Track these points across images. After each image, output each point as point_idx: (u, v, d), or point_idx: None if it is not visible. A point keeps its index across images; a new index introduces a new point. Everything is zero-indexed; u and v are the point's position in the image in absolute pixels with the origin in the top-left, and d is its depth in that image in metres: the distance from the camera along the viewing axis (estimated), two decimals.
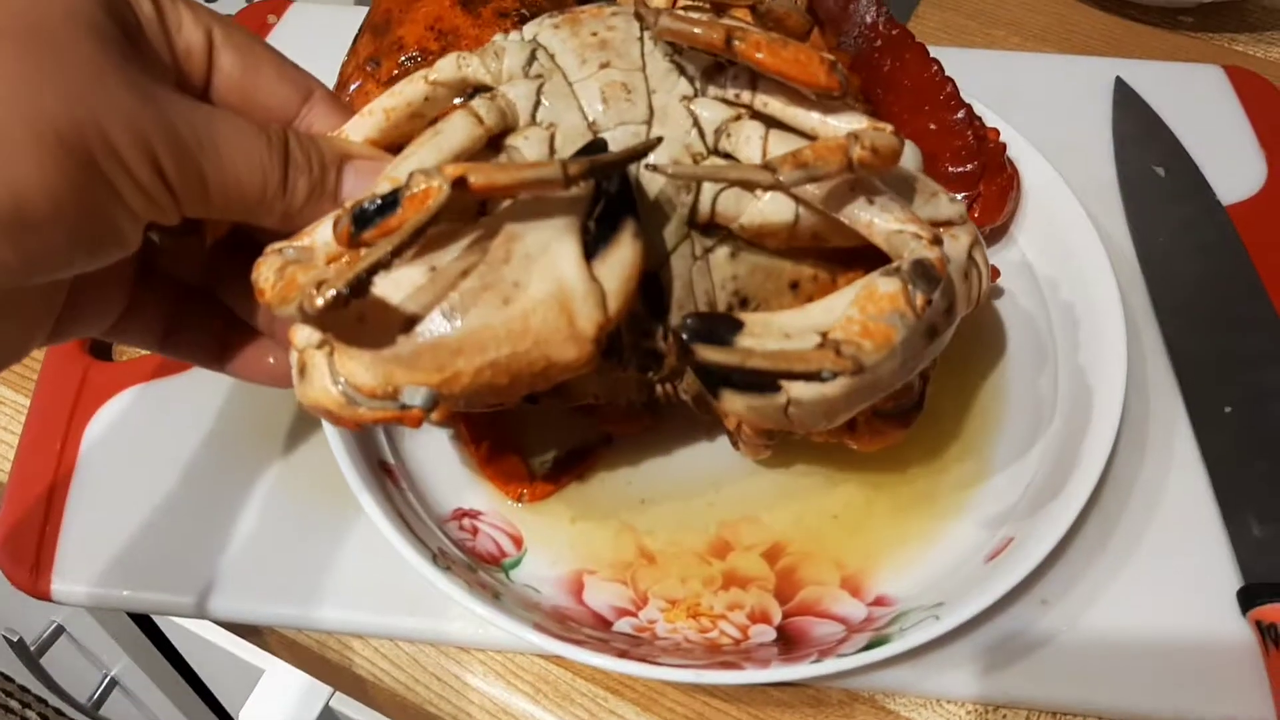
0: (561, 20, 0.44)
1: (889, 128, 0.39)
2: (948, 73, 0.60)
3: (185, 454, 0.55)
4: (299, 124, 0.41)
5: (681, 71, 0.43)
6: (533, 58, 0.43)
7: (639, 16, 0.43)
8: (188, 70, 0.38)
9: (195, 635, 0.74)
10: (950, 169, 0.57)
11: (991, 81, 0.63)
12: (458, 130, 0.40)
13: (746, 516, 0.52)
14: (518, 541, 0.51)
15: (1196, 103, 0.70)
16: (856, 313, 0.37)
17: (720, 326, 0.38)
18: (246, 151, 0.37)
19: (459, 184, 0.34)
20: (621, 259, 0.37)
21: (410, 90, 0.42)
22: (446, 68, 0.42)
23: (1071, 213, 0.58)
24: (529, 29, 0.44)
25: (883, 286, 0.38)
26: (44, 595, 0.51)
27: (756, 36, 0.39)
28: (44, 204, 0.32)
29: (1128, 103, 0.69)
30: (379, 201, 0.35)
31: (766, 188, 0.41)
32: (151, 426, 0.56)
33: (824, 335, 0.37)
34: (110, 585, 0.51)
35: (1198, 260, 0.61)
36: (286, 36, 0.77)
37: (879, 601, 0.49)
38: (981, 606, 0.45)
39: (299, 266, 0.36)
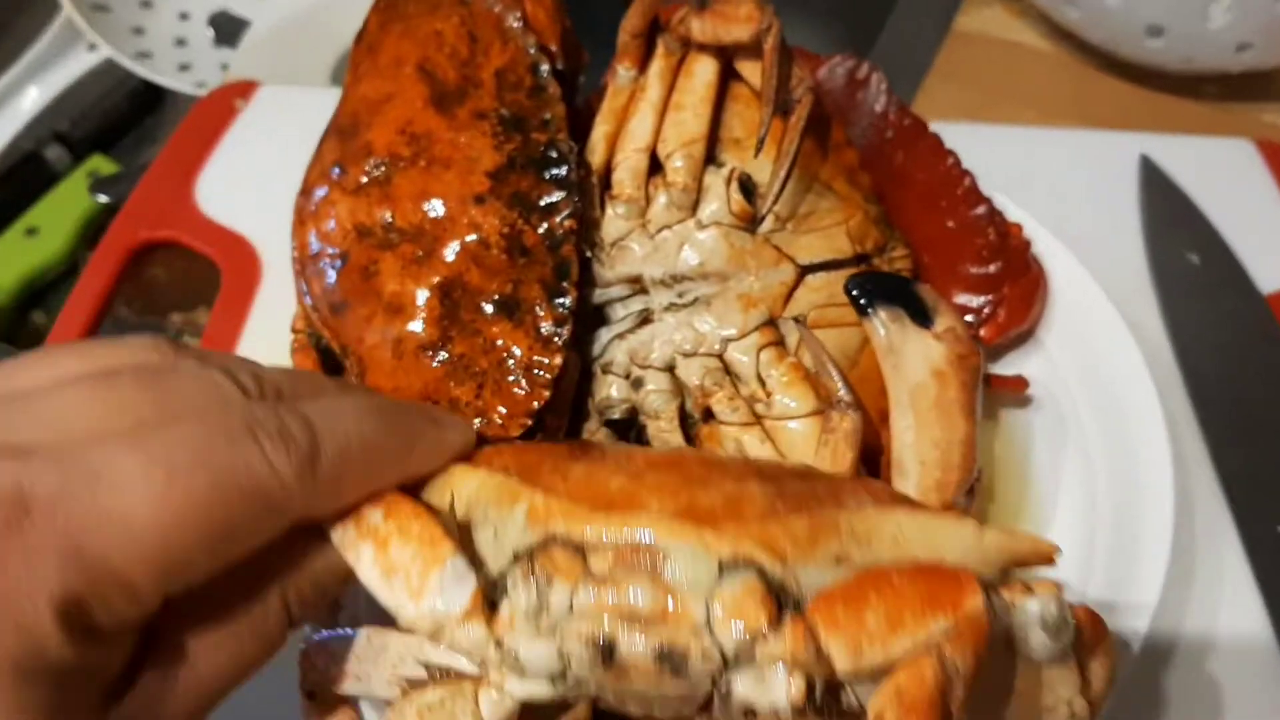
0: (606, 676, 0.34)
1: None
2: (962, 157, 0.55)
3: None
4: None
5: None
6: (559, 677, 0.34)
7: None
8: None
9: None
10: (971, 270, 0.52)
11: (1007, 160, 0.59)
12: None
13: None
14: None
15: (1227, 179, 0.66)
16: None
17: None
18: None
19: None
20: None
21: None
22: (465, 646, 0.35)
23: (1103, 314, 0.53)
24: (569, 635, 0.33)
25: None
26: None
27: None
28: None
29: (1156, 183, 0.64)
30: None
31: None
32: None
33: None
34: None
35: (1240, 358, 0.57)
36: (254, 121, 0.72)
37: None
38: None
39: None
